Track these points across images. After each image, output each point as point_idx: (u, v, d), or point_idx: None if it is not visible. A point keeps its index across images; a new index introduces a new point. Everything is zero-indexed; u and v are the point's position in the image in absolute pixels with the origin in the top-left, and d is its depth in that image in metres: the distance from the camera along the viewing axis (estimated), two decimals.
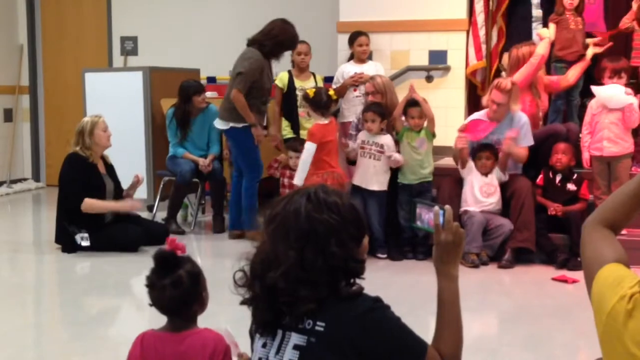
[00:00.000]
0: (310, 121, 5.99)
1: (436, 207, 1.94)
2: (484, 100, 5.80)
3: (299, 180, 5.58)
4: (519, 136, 5.56)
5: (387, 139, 5.68)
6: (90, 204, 5.74)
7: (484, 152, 5.61)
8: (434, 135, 5.68)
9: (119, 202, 5.94)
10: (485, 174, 5.60)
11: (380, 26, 7.00)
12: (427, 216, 1.99)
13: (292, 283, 1.76)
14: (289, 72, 6.80)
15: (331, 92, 5.74)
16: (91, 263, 5.64)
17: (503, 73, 6.69)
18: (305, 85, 6.51)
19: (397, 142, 5.73)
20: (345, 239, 1.81)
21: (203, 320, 2.13)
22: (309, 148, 5.57)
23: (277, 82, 6.79)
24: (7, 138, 9.64)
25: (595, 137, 5.63)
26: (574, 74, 6.09)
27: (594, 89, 5.67)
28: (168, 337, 2.03)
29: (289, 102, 6.70)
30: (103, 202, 5.83)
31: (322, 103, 5.64)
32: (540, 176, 5.71)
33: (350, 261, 1.81)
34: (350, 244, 1.82)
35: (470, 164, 5.63)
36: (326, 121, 5.65)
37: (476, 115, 5.86)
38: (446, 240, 1.92)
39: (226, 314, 3.64)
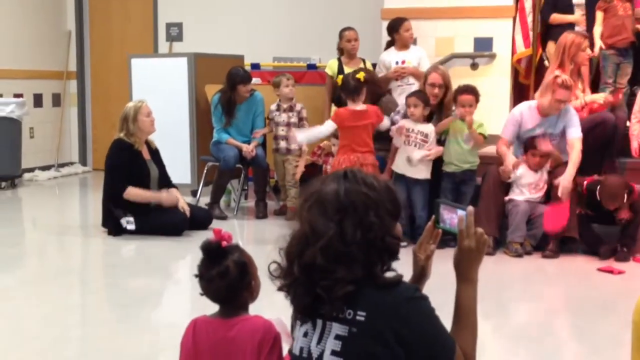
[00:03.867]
0: None
1: (460, 212, 1.96)
2: (541, 98, 5.41)
3: (300, 138, 5.90)
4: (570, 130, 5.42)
5: (430, 128, 5.64)
6: (134, 193, 5.79)
7: (536, 149, 5.44)
8: (485, 137, 5.56)
9: (161, 193, 5.94)
10: (536, 170, 5.51)
11: (425, 13, 6.94)
12: (449, 216, 2.02)
13: (330, 260, 1.76)
14: (339, 59, 6.79)
15: (359, 76, 5.66)
16: (136, 246, 5.73)
17: (546, 62, 6.57)
18: None
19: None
20: (383, 213, 1.81)
21: (251, 307, 2.13)
22: (327, 124, 5.72)
23: (327, 70, 6.83)
24: (55, 122, 9.82)
25: None
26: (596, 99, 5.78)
27: None
28: (218, 323, 2.05)
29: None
30: (145, 192, 5.85)
31: (351, 88, 5.61)
32: None
33: (388, 236, 1.82)
34: (388, 219, 1.83)
35: (521, 158, 5.49)
36: (357, 107, 5.61)
37: (524, 106, 5.62)
38: (469, 247, 1.94)
39: (269, 300, 3.67)
